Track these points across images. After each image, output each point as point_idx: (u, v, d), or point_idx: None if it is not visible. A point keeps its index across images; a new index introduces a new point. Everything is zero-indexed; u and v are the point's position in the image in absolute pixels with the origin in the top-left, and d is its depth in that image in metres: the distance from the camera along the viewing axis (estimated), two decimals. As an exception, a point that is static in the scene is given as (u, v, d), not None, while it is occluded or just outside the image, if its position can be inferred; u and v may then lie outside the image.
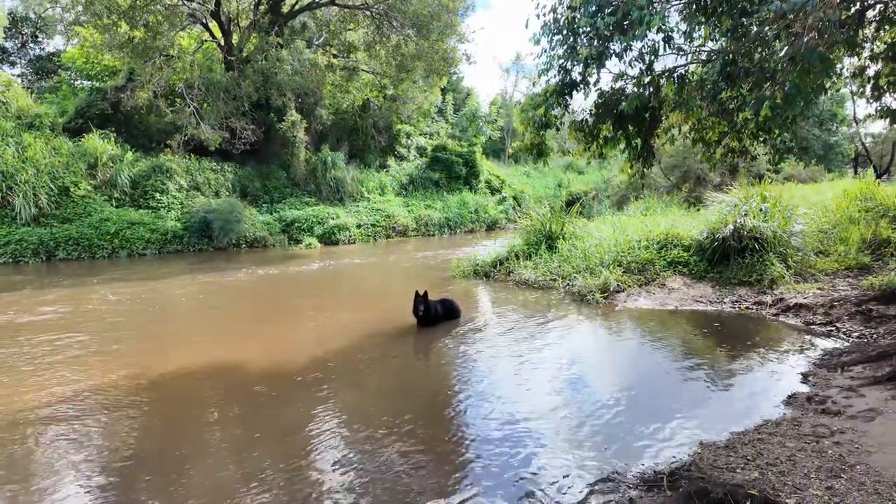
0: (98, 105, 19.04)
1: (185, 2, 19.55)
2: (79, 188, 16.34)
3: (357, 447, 3.88)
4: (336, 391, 5.05)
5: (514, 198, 31.57)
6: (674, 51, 4.82)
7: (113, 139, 18.13)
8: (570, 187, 33.62)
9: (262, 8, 21.14)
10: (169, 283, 11.30)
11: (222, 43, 21.23)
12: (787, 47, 4.35)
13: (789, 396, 4.45)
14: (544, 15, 5.59)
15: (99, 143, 17.36)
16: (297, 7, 22.30)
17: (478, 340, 6.66)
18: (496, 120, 38.55)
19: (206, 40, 22.08)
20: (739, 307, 7.77)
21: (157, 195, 17.80)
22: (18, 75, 29.20)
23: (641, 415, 4.27)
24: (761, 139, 5.89)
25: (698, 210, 15.55)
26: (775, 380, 4.96)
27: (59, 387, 5.14)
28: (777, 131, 4.96)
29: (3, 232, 14.52)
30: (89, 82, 24.19)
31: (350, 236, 20.57)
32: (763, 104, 4.53)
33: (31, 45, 30.83)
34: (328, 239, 19.85)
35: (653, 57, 4.76)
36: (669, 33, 4.56)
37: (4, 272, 13.08)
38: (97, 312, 8.56)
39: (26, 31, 30.07)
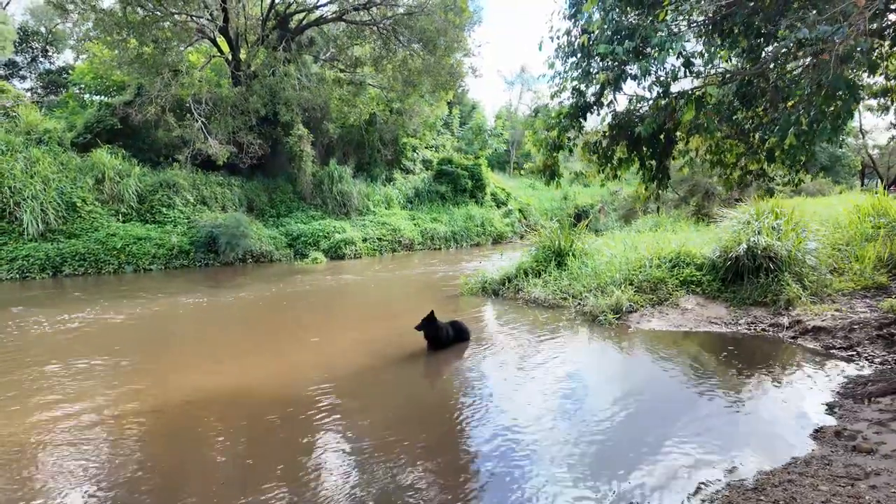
0: (107, 120, 19.12)
1: (194, 18, 19.69)
2: (86, 203, 16.36)
3: (365, 472, 3.85)
4: (344, 414, 4.95)
5: (520, 211, 31.51)
6: (693, 75, 4.73)
7: (120, 154, 18.20)
8: (576, 200, 33.52)
9: (269, 24, 21.27)
10: (174, 300, 11.22)
11: (230, 58, 21.35)
12: (810, 73, 4.26)
13: (816, 430, 4.30)
14: (558, 38, 5.53)
15: (106, 158, 17.41)
16: (304, 23, 22.44)
17: (488, 362, 6.53)
18: (502, 133, 38.58)
19: (214, 56, 22.24)
20: (755, 329, 7.61)
21: (164, 210, 17.82)
22: (29, 90, 29.51)
23: (662, 444, 4.13)
24: (782, 160, 5.78)
25: (707, 225, 15.44)
26: (800, 410, 4.80)
27: (63, 413, 5.03)
28: (802, 157, 4.86)
29: (10, 247, 14.53)
30: (98, 97, 24.38)
31: (356, 251, 20.49)
32: (787, 131, 4.43)
33: (42, 59, 31.18)
34: (334, 253, 19.78)
35: (671, 80, 4.68)
36: (690, 58, 4.47)
37: (11, 288, 13.05)
38: (101, 332, 8.48)
39: (37, 45, 30.42)
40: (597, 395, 5.43)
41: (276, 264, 18.11)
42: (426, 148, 31.36)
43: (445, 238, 25.12)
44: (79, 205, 16.16)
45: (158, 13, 18.06)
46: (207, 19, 20.18)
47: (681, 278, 9.37)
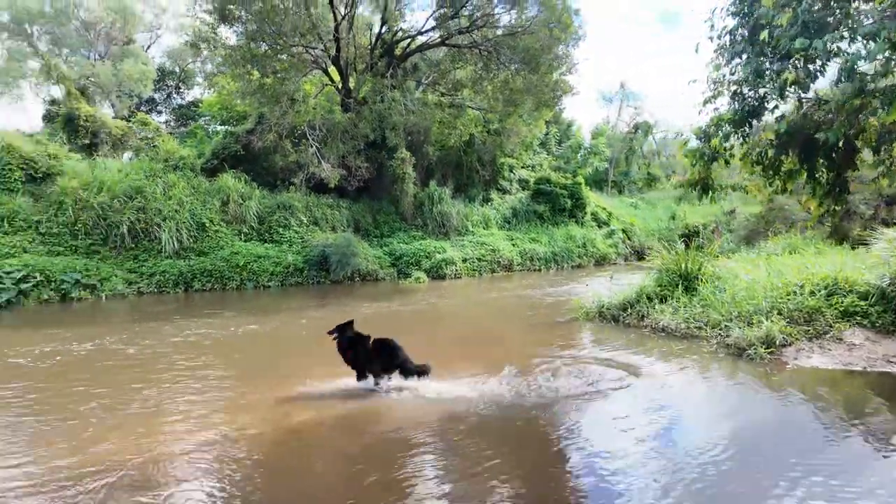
0: (231, 147, 20.73)
1: (310, 50, 20.95)
2: (213, 223, 17.71)
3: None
4: (441, 452, 4.61)
5: (624, 231, 30.05)
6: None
7: (243, 178, 19.61)
8: (685, 220, 31.43)
9: (377, 52, 22.16)
10: (294, 315, 11.64)
11: (340, 87, 22.46)
12: None
13: None
14: (719, 37, 4.99)
15: (231, 182, 18.84)
16: (408, 49, 23.14)
17: (635, 399, 5.94)
18: (603, 151, 37.32)
19: (326, 84, 23.50)
20: (952, 372, 6.37)
21: (281, 230, 18.89)
22: (164, 122, 33.04)
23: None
24: None
25: (854, 248, 13.61)
26: None
27: (186, 433, 5.01)
28: None
29: (150, 264, 15.97)
30: (223, 127, 26.66)
31: (456, 270, 20.43)
32: None
33: (175, 95, 34.95)
34: (435, 273, 19.84)
35: (881, 74, 3.97)
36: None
37: (150, 301, 14.28)
38: (228, 347, 8.86)
39: (171, 83, 34.13)
40: (766, 451, 4.68)
41: (381, 283, 18.47)
42: (522, 167, 30.95)
43: (545, 259, 24.47)
44: (207, 225, 17.51)
45: (278, 46, 19.44)
46: (321, 50, 21.40)
47: (840, 308, 8.15)
